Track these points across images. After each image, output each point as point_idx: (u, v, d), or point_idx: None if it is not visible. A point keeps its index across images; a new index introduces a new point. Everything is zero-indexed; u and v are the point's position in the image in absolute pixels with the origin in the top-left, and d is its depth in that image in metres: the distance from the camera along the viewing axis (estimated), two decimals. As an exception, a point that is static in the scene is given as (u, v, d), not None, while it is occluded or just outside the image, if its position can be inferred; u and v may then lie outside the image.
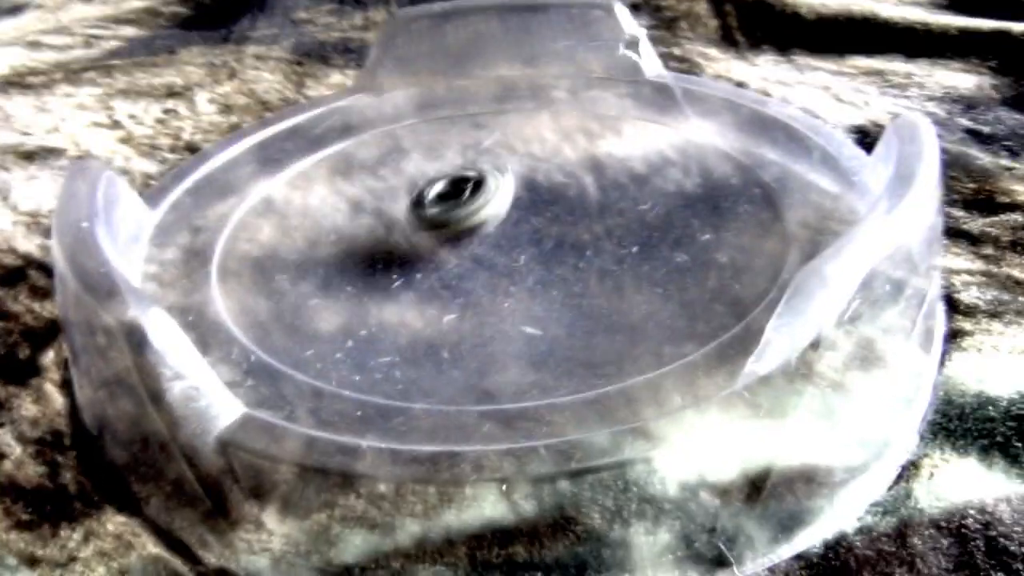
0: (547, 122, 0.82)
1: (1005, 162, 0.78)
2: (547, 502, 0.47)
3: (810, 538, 0.47)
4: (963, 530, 0.46)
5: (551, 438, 0.48)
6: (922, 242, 0.52)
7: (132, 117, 0.92)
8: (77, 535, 0.50)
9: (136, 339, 0.48)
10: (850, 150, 0.71)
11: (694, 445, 0.47)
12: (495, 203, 0.67)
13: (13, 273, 0.71)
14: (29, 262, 0.72)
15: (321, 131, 0.82)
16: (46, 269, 0.71)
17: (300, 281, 0.63)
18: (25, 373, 0.62)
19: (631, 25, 0.86)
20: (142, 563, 0.48)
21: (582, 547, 0.46)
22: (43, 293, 0.69)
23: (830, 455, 0.48)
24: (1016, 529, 0.46)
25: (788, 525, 0.47)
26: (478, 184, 0.67)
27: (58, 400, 0.60)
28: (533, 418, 0.50)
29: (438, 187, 0.68)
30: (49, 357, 0.63)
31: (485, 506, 0.47)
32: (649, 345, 0.55)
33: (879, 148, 0.64)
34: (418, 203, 0.67)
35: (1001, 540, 0.46)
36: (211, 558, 0.48)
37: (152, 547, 0.49)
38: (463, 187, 0.67)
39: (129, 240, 0.65)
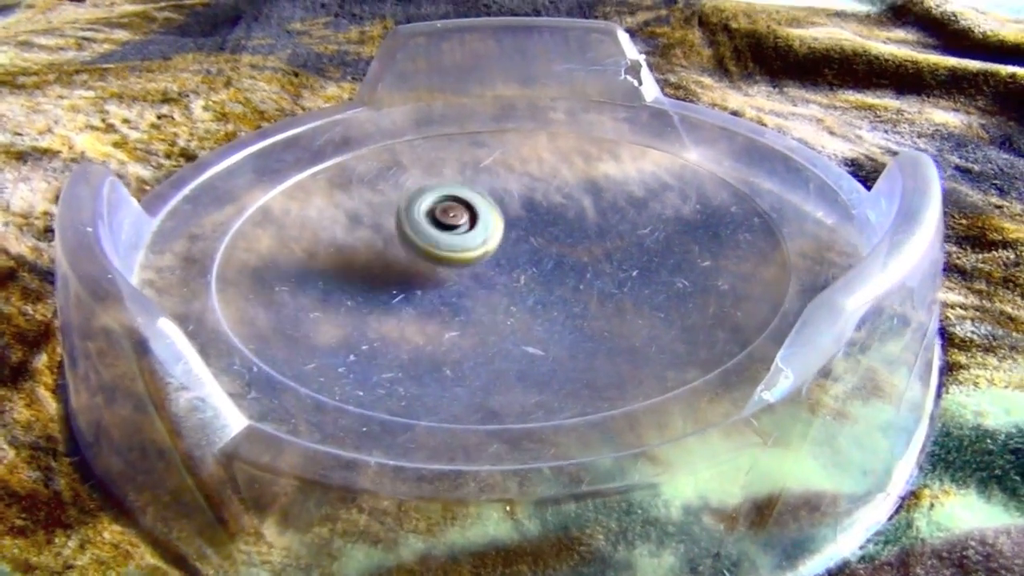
0: (545, 143, 0.82)
1: (995, 200, 0.80)
2: (551, 523, 0.47)
3: (814, 565, 0.47)
4: (965, 561, 0.47)
5: (557, 460, 0.48)
6: (926, 277, 0.53)
7: (126, 121, 0.91)
8: (73, 543, 0.49)
9: (142, 347, 0.48)
10: (848, 183, 0.72)
11: (700, 471, 0.47)
12: (492, 239, 0.64)
13: (5, 275, 0.69)
14: (21, 263, 0.71)
15: (320, 143, 0.82)
16: (38, 271, 0.70)
17: (299, 293, 0.63)
18: (17, 376, 0.61)
19: (631, 50, 0.87)
20: (140, 573, 0.47)
21: (586, 568, 0.46)
22: (35, 295, 0.68)
23: (834, 483, 0.49)
24: (1017, 562, 0.46)
25: (792, 552, 0.47)
26: (471, 213, 0.64)
27: (51, 405, 0.59)
28: (539, 439, 0.50)
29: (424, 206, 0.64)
30: (42, 360, 0.62)
31: (489, 525, 0.47)
32: (653, 369, 0.55)
33: (881, 183, 0.65)
34: (404, 228, 0.63)
35: (1003, 572, 0.46)
36: (209, 570, 0.48)
37: (150, 557, 0.48)
38: (452, 215, 0.64)
39: (128, 246, 0.65)
